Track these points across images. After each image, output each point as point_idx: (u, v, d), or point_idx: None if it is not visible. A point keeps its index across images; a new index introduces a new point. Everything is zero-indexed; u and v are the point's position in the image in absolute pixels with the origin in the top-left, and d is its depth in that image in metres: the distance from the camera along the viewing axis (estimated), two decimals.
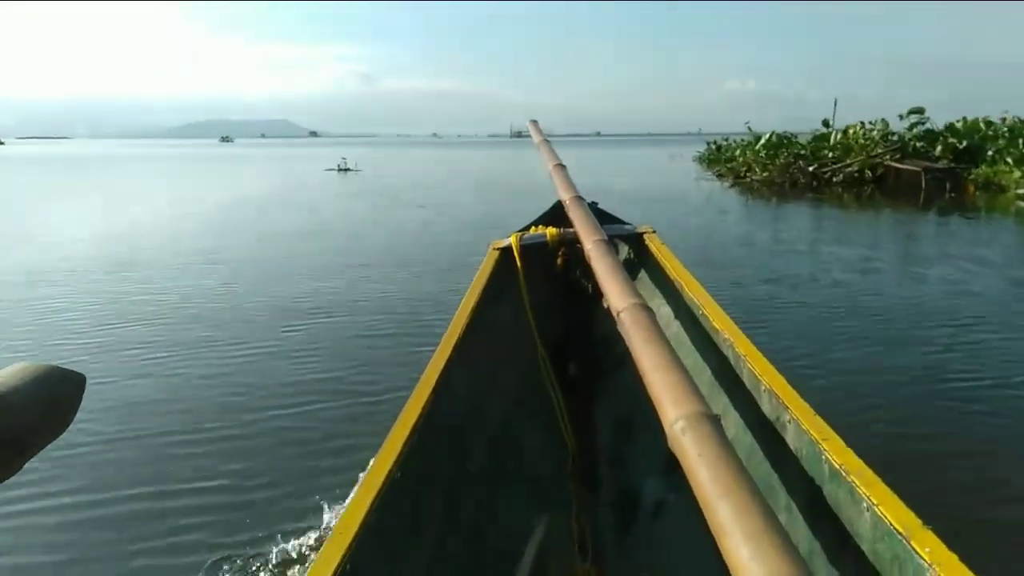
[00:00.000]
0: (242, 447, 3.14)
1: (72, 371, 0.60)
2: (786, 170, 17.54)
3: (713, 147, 35.92)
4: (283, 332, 4.91)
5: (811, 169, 17.29)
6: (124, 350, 4.53)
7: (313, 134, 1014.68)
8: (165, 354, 4.43)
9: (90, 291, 6.36)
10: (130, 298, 6.01)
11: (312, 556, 2.24)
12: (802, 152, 18.26)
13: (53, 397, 0.57)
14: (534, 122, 3.27)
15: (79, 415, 0.60)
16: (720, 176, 20.68)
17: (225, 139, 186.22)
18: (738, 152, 21.46)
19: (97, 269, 7.41)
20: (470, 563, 1.51)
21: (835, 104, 29.39)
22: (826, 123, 20.22)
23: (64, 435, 0.59)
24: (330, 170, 27.61)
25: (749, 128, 34.54)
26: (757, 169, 18.85)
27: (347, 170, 27.33)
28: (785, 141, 19.48)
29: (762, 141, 20.27)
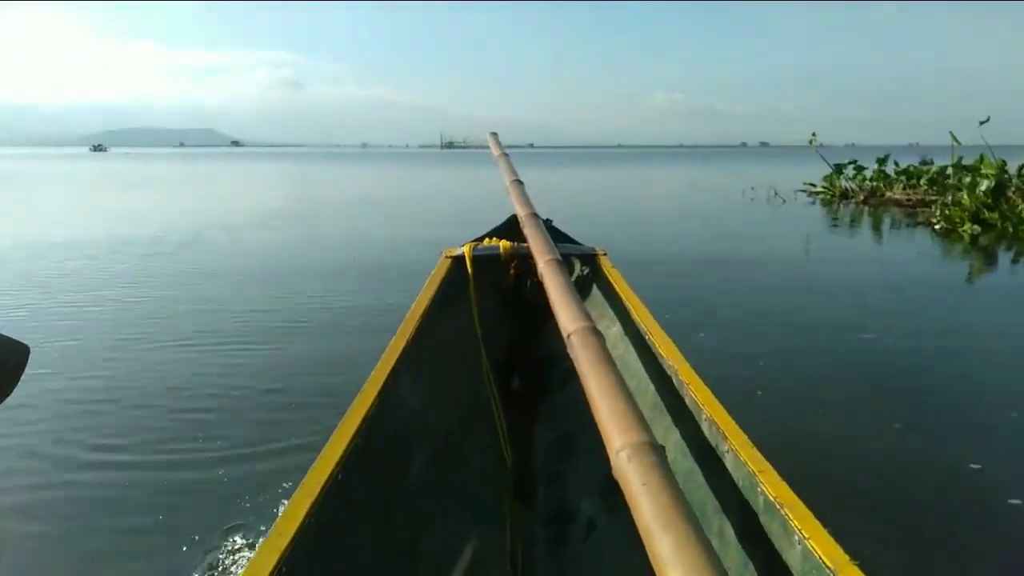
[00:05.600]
0: (184, 432, 3.00)
1: (16, 341, 0.61)
2: None
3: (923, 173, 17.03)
4: None
5: None
6: None
7: (235, 143, 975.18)
8: None
9: None
10: None
11: (247, 556, 2.16)
12: None
13: None
14: (494, 135, 3.24)
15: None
16: None
17: (97, 148, 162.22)
18: None
19: None
20: (402, 574, 1.52)
21: None
22: None
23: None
24: None
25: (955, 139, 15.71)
26: None
27: None
28: None
29: None
